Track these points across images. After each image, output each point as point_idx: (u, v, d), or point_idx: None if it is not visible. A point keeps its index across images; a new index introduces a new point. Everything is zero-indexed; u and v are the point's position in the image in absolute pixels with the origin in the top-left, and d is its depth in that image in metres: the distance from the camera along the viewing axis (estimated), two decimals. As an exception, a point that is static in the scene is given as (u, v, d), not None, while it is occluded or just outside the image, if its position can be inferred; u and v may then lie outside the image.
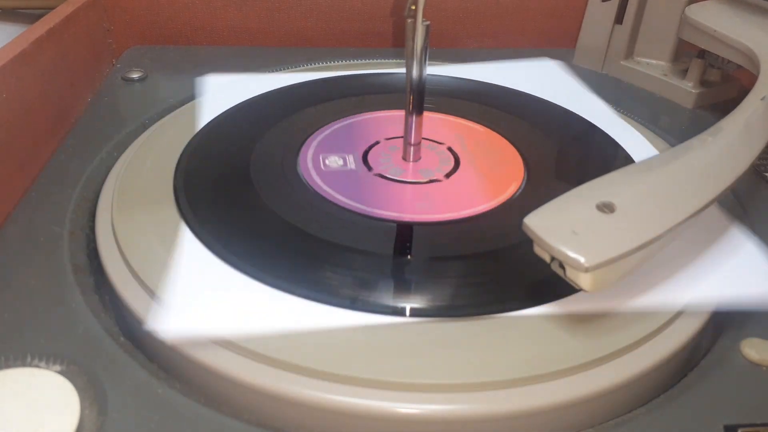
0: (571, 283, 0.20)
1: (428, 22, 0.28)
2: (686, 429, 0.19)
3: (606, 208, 0.20)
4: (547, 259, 0.20)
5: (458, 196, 0.29)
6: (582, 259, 0.18)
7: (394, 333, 0.21)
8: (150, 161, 0.31)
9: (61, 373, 0.20)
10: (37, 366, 0.20)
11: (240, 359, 0.20)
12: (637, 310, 0.22)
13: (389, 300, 0.23)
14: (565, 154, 0.34)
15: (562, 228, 0.19)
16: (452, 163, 0.32)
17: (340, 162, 0.28)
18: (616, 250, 0.19)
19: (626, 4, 0.44)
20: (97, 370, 0.20)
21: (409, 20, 0.28)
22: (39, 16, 0.38)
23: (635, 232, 0.19)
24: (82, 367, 0.20)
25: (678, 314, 0.23)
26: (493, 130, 0.35)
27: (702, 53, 0.41)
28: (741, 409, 0.20)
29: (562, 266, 0.19)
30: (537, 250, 0.20)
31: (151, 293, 0.23)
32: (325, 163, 0.28)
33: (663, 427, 0.19)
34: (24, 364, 0.20)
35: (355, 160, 0.29)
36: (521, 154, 0.33)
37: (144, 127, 0.35)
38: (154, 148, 0.32)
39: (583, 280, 0.19)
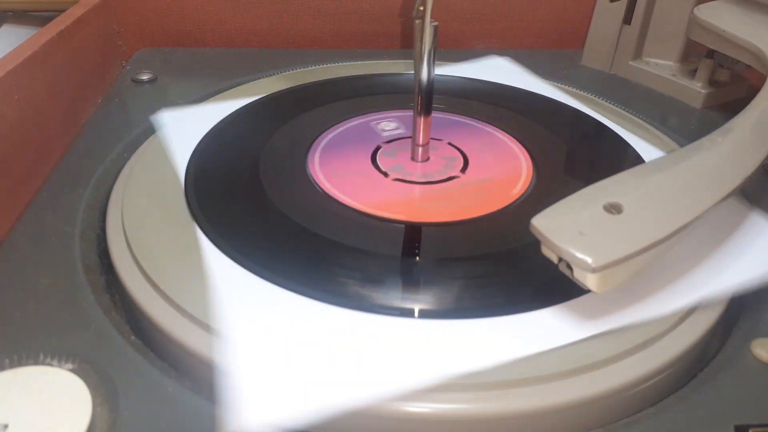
0: (578, 283, 0.20)
1: (436, 23, 0.28)
2: (696, 429, 0.19)
3: (613, 208, 0.20)
4: (555, 259, 0.20)
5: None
6: (589, 260, 0.18)
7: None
8: (160, 162, 0.31)
9: (73, 371, 0.20)
10: (49, 364, 0.20)
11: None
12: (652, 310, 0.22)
13: (397, 301, 0.23)
14: (573, 154, 0.34)
15: (570, 228, 0.19)
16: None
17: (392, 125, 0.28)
18: (624, 250, 0.19)
19: (635, 4, 0.44)
20: (108, 368, 0.20)
21: (418, 21, 0.28)
22: (49, 19, 0.38)
23: (643, 232, 0.19)
24: (93, 365, 0.20)
25: (688, 314, 0.23)
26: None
27: (711, 53, 0.40)
28: (752, 409, 0.20)
29: (569, 267, 0.19)
30: (545, 250, 0.20)
31: (161, 291, 0.23)
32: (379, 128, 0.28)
33: (673, 427, 0.19)
34: (36, 363, 0.20)
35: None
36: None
37: (154, 128, 0.35)
38: (164, 148, 0.32)
39: (590, 281, 0.19)
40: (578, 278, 0.19)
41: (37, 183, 0.30)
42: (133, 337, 0.22)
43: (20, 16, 0.51)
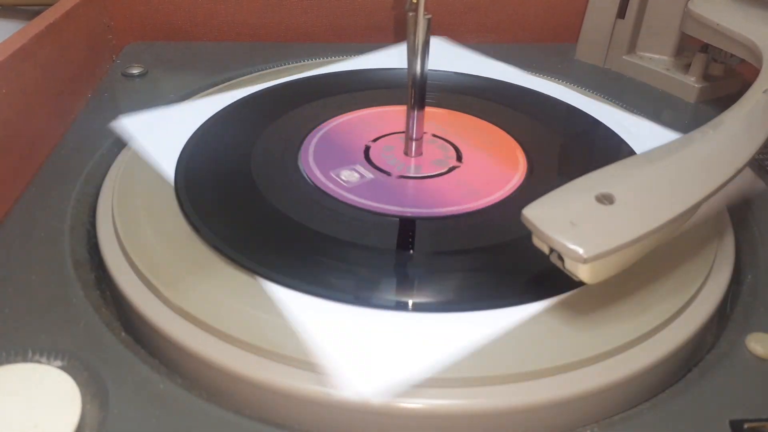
0: (569, 274, 0.20)
1: (430, 16, 0.27)
2: (691, 424, 0.19)
3: (605, 199, 0.20)
4: (546, 250, 0.20)
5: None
6: (580, 250, 0.18)
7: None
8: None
9: (62, 368, 0.19)
10: (38, 361, 0.20)
11: (242, 354, 0.20)
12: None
13: (391, 295, 0.23)
14: (566, 146, 0.34)
15: (561, 219, 0.19)
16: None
17: (356, 176, 0.28)
18: (615, 241, 0.19)
19: (629, -2, 0.44)
20: (98, 365, 0.20)
21: (411, 14, 0.28)
22: (38, 13, 0.37)
23: (634, 223, 0.19)
24: (83, 362, 0.20)
25: (684, 308, 0.23)
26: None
27: (705, 47, 0.40)
28: (747, 404, 0.20)
29: (561, 258, 0.19)
30: (536, 241, 0.20)
31: (152, 287, 0.23)
32: (341, 178, 0.28)
33: (668, 422, 0.19)
34: (25, 360, 0.20)
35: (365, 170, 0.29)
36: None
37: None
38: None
39: (581, 272, 0.19)
40: (569, 269, 0.19)
41: (26, 178, 0.30)
42: (123, 334, 0.22)
43: (9, 10, 0.51)
